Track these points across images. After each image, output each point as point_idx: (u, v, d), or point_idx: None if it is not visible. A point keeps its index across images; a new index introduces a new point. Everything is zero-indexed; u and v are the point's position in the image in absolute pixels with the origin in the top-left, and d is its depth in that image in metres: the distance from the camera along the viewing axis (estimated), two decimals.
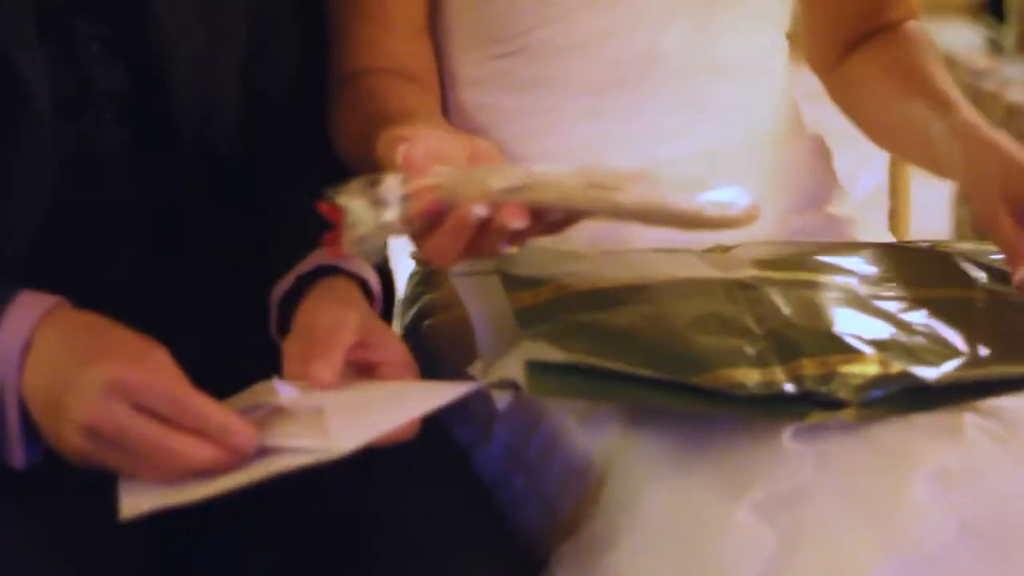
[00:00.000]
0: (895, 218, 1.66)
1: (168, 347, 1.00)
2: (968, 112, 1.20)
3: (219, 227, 1.20)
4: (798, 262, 1.18)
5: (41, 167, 1.10)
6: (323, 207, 0.99)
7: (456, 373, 1.12)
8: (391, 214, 0.98)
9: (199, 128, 1.18)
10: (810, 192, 1.34)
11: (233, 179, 1.20)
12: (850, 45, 1.37)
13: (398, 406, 0.99)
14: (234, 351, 1.12)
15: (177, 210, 1.18)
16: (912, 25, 1.36)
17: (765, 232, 1.24)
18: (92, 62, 1.14)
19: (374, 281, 1.14)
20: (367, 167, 1.07)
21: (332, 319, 1.04)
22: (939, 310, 1.11)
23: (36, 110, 1.09)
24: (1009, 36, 3.84)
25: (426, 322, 1.29)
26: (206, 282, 1.18)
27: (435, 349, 1.25)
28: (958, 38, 3.69)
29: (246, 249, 1.19)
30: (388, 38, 1.27)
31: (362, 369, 1.04)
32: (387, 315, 1.18)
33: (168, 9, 1.15)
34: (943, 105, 1.22)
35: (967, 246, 1.25)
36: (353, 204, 0.99)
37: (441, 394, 0.98)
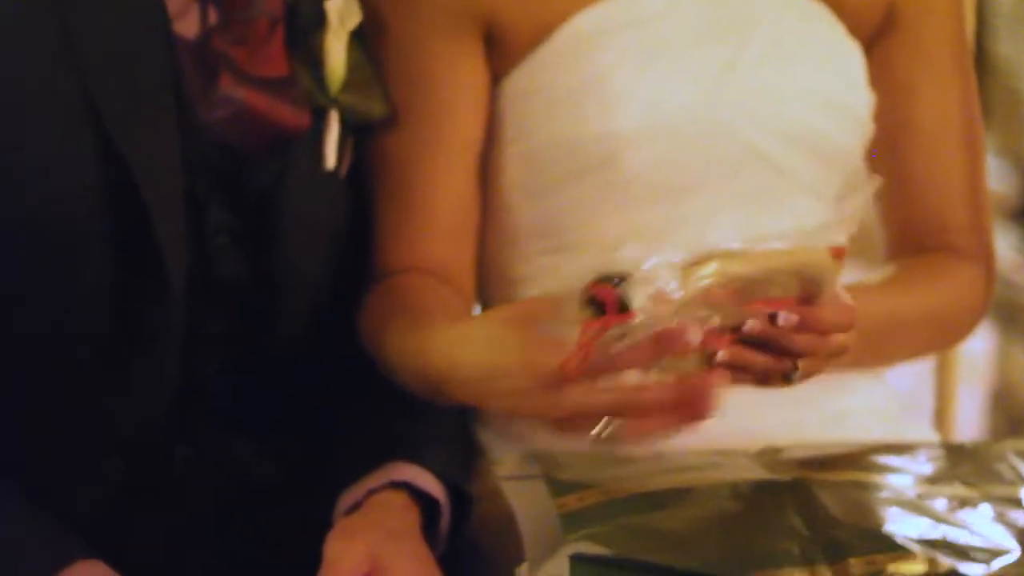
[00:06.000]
0: (940, 417, 1.66)
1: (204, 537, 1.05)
2: None
3: (292, 419, 1.20)
4: (849, 462, 1.18)
5: (169, 349, 1.11)
6: (597, 289, 0.94)
7: (501, 570, 1.11)
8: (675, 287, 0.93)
9: (300, 328, 1.19)
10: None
11: (314, 380, 1.21)
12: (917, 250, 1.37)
13: None
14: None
15: (254, 395, 1.19)
16: (961, 266, 1.36)
17: None
18: (217, 251, 1.14)
19: (439, 494, 1.15)
20: (388, 362, 1.13)
21: (334, 554, 1.05)
22: (991, 508, 1.11)
23: (172, 294, 1.09)
24: None
25: None
26: (262, 467, 1.19)
27: (477, 540, 1.24)
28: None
29: (313, 444, 1.21)
30: (428, 237, 1.25)
31: None
32: (459, 527, 1.18)
33: (295, 206, 1.17)
34: None
35: (1020, 444, 1.25)
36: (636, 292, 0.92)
37: None
